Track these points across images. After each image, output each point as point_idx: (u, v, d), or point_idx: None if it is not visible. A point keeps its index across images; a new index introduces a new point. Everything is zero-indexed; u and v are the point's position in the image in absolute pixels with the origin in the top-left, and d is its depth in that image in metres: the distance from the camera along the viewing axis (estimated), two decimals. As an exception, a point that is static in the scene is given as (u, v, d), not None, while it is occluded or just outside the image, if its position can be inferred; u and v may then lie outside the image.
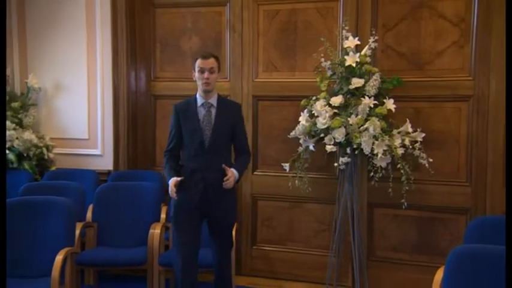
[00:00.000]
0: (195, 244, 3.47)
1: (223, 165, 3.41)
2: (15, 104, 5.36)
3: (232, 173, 3.42)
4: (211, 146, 3.43)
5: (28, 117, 5.24)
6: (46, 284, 3.40)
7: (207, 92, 3.47)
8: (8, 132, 5.11)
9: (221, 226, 3.56)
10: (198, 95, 3.53)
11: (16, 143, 5.05)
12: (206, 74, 3.38)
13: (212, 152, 3.43)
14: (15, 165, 5.00)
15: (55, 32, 5.36)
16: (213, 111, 3.49)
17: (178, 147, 3.57)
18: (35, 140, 5.06)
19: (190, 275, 3.49)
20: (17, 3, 5.60)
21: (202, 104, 3.49)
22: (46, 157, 5.17)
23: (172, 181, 3.40)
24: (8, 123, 5.14)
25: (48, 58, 5.48)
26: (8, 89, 5.42)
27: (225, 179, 3.37)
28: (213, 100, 3.52)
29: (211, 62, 3.43)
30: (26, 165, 5.13)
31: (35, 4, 5.58)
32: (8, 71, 5.49)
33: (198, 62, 3.42)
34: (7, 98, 5.30)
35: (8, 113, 5.27)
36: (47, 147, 5.18)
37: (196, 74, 3.44)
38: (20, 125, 5.14)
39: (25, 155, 5.07)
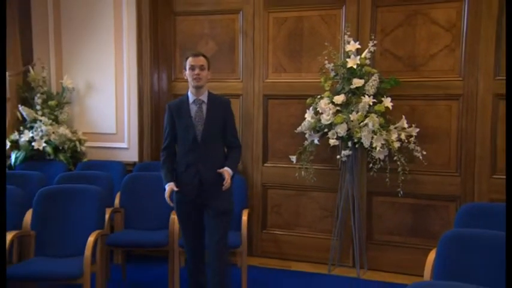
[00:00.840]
0: (198, 233, 3.42)
1: (218, 170, 3.30)
2: (51, 103, 5.37)
3: (228, 174, 3.29)
4: (203, 141, 3.32)
5: (63, 114, 5.25)
6: (80, 263, 3.42)
7: (197, 88, 3.35)
8: (45, 127, 5.16)
9: (216, 215, 3.38)
10: (189, 93, 3.42)
11: (52, 137, 5.08)
12: (197, 71, 3.27)
13: (205, 146, 3.33)
14: (51, 157, 5.03)
15: (87, 38, 5.38)
16: (204, 107, 3.37)
17: (173, 144, 3.48)
18: (69, 135, 5.08)
19: (196, 259, 3.48)
20: (53, 14, 5.62)
21: (194, 101, 3.37)
22: (79, 150, 5.18)
23: (168, 189, 3.34)
24: (45, 119, 5.22)
25: (80, 61, 5.50)
26: (45, 88, 5.47)
27: (224, 182, 3.26)
28: (204, 97, 3.39)
29: (202, 59, 3.32)
30: (61, 156, 5.14)
31: (69, 13, 5.57)
32: (45, 73, 5.55)
33: (189, 60, 3.31)
34: (45, 96, 5.39)
35: (45, 111, 5.33)
36: (80, 141, 5.19)
37: (188, 72, 3.33)
38: (56, 121, 5.16)
39: (60, 148, 5.09)
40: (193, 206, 3.34)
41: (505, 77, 4.24)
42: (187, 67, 3.31)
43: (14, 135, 5.23)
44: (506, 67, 2.31)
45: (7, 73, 5.27)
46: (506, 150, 2.09)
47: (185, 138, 3.34)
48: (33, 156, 5.22)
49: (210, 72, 3.47)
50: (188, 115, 3.32)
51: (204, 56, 3.37)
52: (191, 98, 3.37)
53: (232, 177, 3.36)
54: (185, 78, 3.36)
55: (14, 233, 3.65)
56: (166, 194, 3.31)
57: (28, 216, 3.97)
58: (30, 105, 5.38)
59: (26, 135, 5.17)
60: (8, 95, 5.30)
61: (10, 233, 3.56)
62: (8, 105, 5.31)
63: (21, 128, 5.25)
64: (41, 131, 5.14)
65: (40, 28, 5.62)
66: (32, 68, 5.46)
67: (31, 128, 5.23)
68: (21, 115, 5.30)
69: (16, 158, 5.19)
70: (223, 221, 3.37)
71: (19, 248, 3.93)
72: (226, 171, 3.28)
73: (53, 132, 5.08)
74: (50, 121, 5.22)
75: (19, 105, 5.31)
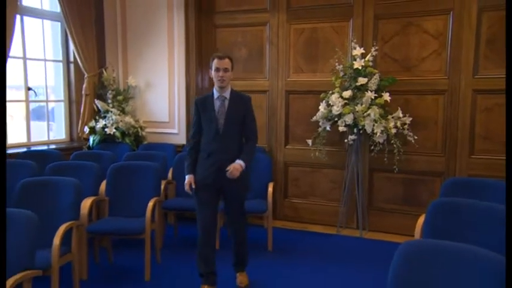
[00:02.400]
0: (212, 214, 3.20)
1: (228, 168, 3.06)
2: (119, 97, 5.48)
3: (234, 166, 3.04)
4: (224, 133, 3.11)
5: (128, 107, 5.34)
6: (142, 222, 3.55)
7: (221, 88, 3.14)
8: (114, 117, 5.25)
9: (234, 199, 3.23)
10: (214, 90, 3.19)
11: (120, 124, 5.15)
12: (221, 73, 3.06)
13: (225, 138, 3.12)
14: (120, 140, 5.10)
15: (146, 46, 5.42)
16: (227, 103, 3.15)
17: (199, 134, 3.23)
18: (133, 123, 5.17)
19: (207, 236, 3.21)
20: (121, 28, 5.70)
21: (218, 97, 3.15)
22: (140, 134, 5.24)
23: (187, 182, 3.16)
24: (115, 110, 5.31)
25: (141, 65, 5.58)
26: (115, 86, 5.57)
27: (229, 170, 3.02)
28: (227, 94, 3.17)
29: (227, 62, 3.10)
30: (127, 140, 5.22)
31: (133, 27, 5.65)
32: (115, 74, 5.66)
33: (215, 62, 3.09)
34: (114, 93, 5.49)
35: (115, 104, 5.42)
36: (141, 128, 5.26)
37: (213, 73, 3.11)
38: (123, 112, 5.24)
39: (126, 133, 5.16)
40: (212, 190, 3.14)
41: (482, 76, 4.28)
42: (213, 68, 3.11)
43: (92, 123, 5.36)
44: (506, 67, 2.20)
45: (86, 74, 5.42)
46: (506, 150, 2.00)
47: (208, 129, 3.14)
48: (106, 139, 5.30)
49: (233, 72, 3.25)
50: (212, 109, 3.14)
51: (229, 58, 3.16)
52: (216, 94, 3.16)
53: (246, 168, 3.12)
54: (210, 76, 3.17)
55: (92, 198, 3.74)
56: (186, 185, 3.18)
57: (103, 185, 4.09)
58: (104, 99, 5.47)
59: (101, 123, 5.27)
60: (87, 91, 5.43)
61: (89, 198, 3.67)
62: (87, 99, 5.44)
63: (97, 117, 5.37)
64: (112, 119, 5.24)
65: (111, 39, 5.73)
66: (105, 70, 5.58)
67: (104, 117, 5.34)
68: (97, 107, 5.42)
69: (93, 141, 5.30)
70: (239, 204, 3.24)
71: (97, 210, 4.10)
72: (238, 165, 3.07)
73: (121, 121, 5.18)
74: (119, 112, 5.31)
75: (95, 100, 5.43)
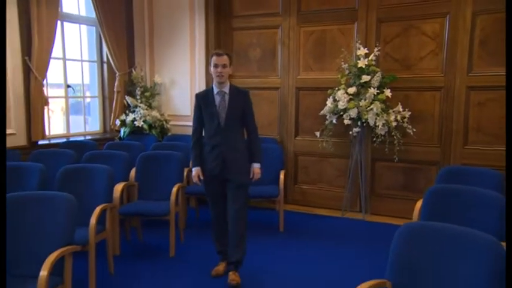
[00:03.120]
0: (221, 202, 3.13)
1: (251, 174, 3.09)
2: (147, 94, 5.55)
3: (255, 172, 3.08)
4: (226, 126, 3.00)
5: (154, 102, 5.41)
6: (167, 205, 3.61)
7: (220, 83, 3.01)
8: (142, 111, 5.30)
9: (236, 187, 3.06)
10: (214, 85, 3.06)
11: (148, 118, 5.20)
12: (219, 69, 2.94)
13: (227, 131, 3.01)
14: (147, 131, 5.13)
15: (170, 48, 5.48)
16: (227, 97, 3.02)
17: (201, 128, 3.14)
18: (159, 116, 5.24)
19: (219, 222, 3.19)
20: (148, 32, 5.76)
21: (218, 93, 3.02)
22: (165, 127, 5.31)
23: (195, 173, 3.09)
24: (142, 105, 5.36)
25: (166, 64, 5.63)
26: (142, 84, 5.61)
27: (252, 177, 3.08)
28: (226, 89, 3.03)
29: (224, 59, 2.97)
30: (153, 131, 5.26)
31: (158, 31, 5.70)
32: (142, 73, 5.72)
33: (213, 59, 2.98)
34: (142, 89, 5.54)
35: (143, 99, 5.49)
36: (166, 121, 5.34)
37: (212, 69, 2.99)
38: (150, 106, 5.32)
39: (153, 125, 5.20)
40: (218, 180, 3.06)
41: (475, 74, 4.26)
42: (212, 64, 2.99)
43: (122, 117, 5.43)
44: (506, 67, 2.15)
45: (118, 73, 5.46)
46: (506, 149, 1.94)
47: (211, 124, 3.02)
48: (135, 131, 5.34)
49: (232, 67, 3.12)
50: (213, 105, 3.01)
51: (227, 54, 3.02)
52: (215, 89, 3.03)
53: (244, 163, 3.09)
54: (210, 73, 3.03)
55: (123, 183, 3.81)
56: (195, 177, 3.11)
57: (133, 172, 4.16)
58: (133, 95, 5.53)
59: (130, 117, 5.34)
60: (118, 88, 5.49)
61: (121, 184, 3.74)
62: (118, 95, 5.50)
63: (127, 112, 5.45)
64: (140, 113, 5.30)
65: (139, 42, 5.80)
66: (134, 69, 5.64)
67: (133, 111, 5.40)
68: (127, 103, 5.49)
69: (124, 132, 5.37)
70: (242, 192, 3.09)
71: (127, 194, 4.18)
72: (253, 171, 3.09)
73: (148, 115, 5.23)
74: (146, 107, 5.37)
75: (125, 96, 5.50)
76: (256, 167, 3.07)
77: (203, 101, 3.04)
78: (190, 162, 3.36)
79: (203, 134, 3.17)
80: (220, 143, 2.99)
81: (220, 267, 3.22)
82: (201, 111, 3.05)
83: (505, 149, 3.89)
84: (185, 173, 4.22)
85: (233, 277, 3.07)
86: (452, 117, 4.40)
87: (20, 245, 2.59)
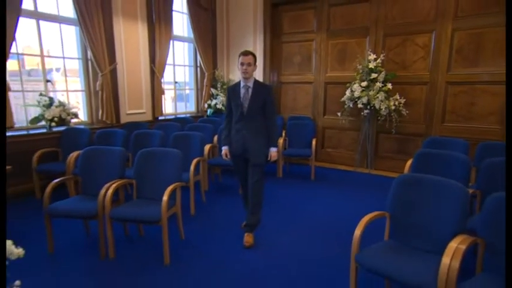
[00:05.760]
0: (244, 175, 2.82)
1: (269, 156, 2.72)
2: (224, 86, 5.72)
3: (272, 155, 2.72)
4: (248, 114, 2.69)
5: None
6: (188, 174, 3.24)
7: (245, 78, 2.67)
8: (221, 98, 5.42)
9: (254, 165, 2.72)
10: (241, 80, 2.73)
11: (224, 103, 5.22)
12: (245, 66, 2.62)
13: (249, 118, 2.70)
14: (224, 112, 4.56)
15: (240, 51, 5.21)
16: (250, 91, 2.69)
17: (230, 115, 2.81)
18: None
19: (244, 189, 2.93)
20: (226, 42, 5.83)
21: (243, 86, 2.71)
22: None
23: (224, 152, 2.83)
24: (221, 94, 5.55)
25: (236, 67, 5.41)
26: (221, 80, 5.74)
27: (269, 157, 2.73)
28: (250, 83, 2.69)
29: (249, 58, 2.64)
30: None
31: (232, 41, 5.81)
32: (222, 72, 5.85)
33: (240, 58, 2.65)
34: (221, 83, 5.65)
35: (222, 90, 5.64)
36: None
37: (239, 66, 2.67)
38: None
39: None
40: (240, 158, 2.78)
41: (452, 73, 4.25)
42: (239, 63, 2.67)
43: (209, 101, 5.69)
44: (506, 67, 1.90)
45: (206, 73, 5.62)
46: (507, 150, 1.71)
47: (236, 112, 2.74)
48: (216, 111, 5.63)
49: (256, 66, 2.74)
50: (238, 96, 2.71)
51: (252, 54, 2.69)
52: (242, 84, 2.72)
53: (261, 146, 2.72)
54: (238, 69, 2.68)
55: (210, 145, 3.84)
56: (223, 155, 2.85)
57: (215, 138, 4.12)
58: (215, 87, 5.74)
59: (214, 102, 5.61)
60: (206, 83, 5.70)
61: (208, 145, 3.75)
62: (206, 88, 5.72)
63: (212, 98, 5.70)
64: (220, 100, 5.58)
65: (220, 52, 5.94)
66: (216, 70, 5.87)
67: (216, 98, 5.66)
68: (212, 92, 5.73)
69: (209, 112, 5.67)
70: (258, 170, 2.74)
71: (212, 152, 4.07)
72: (274, 152, 2.72)
73: (224, 100, 5.31)
74: (224, 95, 5.42)
75: (211, 88, 5.77)
76: (273, 151, 2.73)
77: (232, 93, 2.78)
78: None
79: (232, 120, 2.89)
80: (242, 128, 2.72)
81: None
82: (230, 102, 2.80)
83: (471, 125, 4.15)
84: (207, 150, 3.86)
85: (247, 239, 2.79)
86: (434, 103, 4.44)
87: (149, 180, 2.66)
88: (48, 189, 2.56)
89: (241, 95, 2.70)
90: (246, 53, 2.66)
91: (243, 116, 2.71)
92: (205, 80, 5.77)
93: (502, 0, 3.90)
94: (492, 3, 3.95)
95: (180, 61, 5.74)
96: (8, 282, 1.05)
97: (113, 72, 4.53)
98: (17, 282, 1.04)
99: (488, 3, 3.98)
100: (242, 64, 2.64)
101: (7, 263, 1.08)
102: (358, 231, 1.91)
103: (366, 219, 1.96)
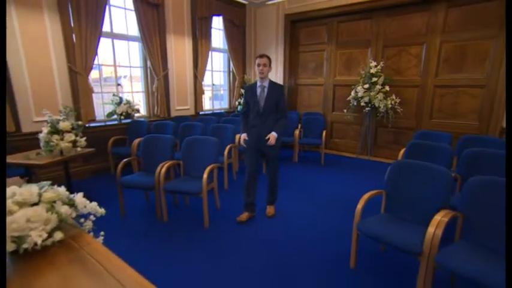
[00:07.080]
0: (255, 164, 2.59)
1: (268, 136, 2.49)
2: (244, 85, 5.53)
3: (272, 135, 2.47)
4: (263, 112, 2.50)
5: None
6: (223, 157, 3.23)
7: (261, 79, 2.49)
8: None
9: (269, 157, 2.59)
10: (257, 80, 2.54)
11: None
12: (261, 67, 2.44)
13: (264, 116, 2.51)
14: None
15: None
16: (266, 90, 2.49)
17: (248, 111, 2.61)
18: None
19: (250, 179, 2.62)
20: (253, 51, 5.74)
21: (259, 86, 2.51)
22: None
23: (242, 137, 2.60)
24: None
25: None
26: (249, 82, 5.49)
27: (269, 140, 2.48)
28: (266, 83, 2.49)
29: (265, 59, 2.45)
30: None
31: (258, 50, 5.73)
32: (249, 76, 5.66)
33: (257, 60, 2.47)
34: (246, 83, 5.51)
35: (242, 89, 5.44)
36: None
37: (256, 67, 2.48)
38: None
39: None
40: (255, 149, 2.57)
41: (439, 78, 4.13)
42: (256, 64, 2.48)
43: (239, 100, 5.60)
44: (506, 67, 1.70)
45: (237, 77, 5.52)
46: (507, 150, 1.50)
47: (253, 109, 2.55)
48: (244, 107, 5.14)
49: (271, 67, 2.53)
50: (255, 95, 2.52)
51: (267, 56, 2.49)
52: (258, 83, 2.52)
53: (278, 137, 2.52)
54: (255, 71, 2.32)
55: (239, 135, 3.21)
56: (242, 140, 2.60)
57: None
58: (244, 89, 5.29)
59: (243, 100, 4.24)
60: (237, 85, 5.62)
61: (238, 134, 3.56)
62: (237, 89, 5.61)
63: (241, 97, 5.54)
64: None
65: (248, 60, 5.83)
66: (245, 74, 5.78)
67: (243, 97, 5.22)
68: (242, 92, 5.56)
69: (240, 108, 5.45)
70: (274, 162, 2.61)
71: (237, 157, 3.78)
72: (271, 134, 2.49)
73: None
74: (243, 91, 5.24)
75: (241, 88, 5.67)
76: (273, 134, 2.48)
77: (249, 91, 2.59)
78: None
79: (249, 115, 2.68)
80: (258, 124, 2.54)
81: (244, 216, 2.69)
82: (247, 100, 2.60)
83: (454, 121, 4.09)
84: (237, 137, 3.78)
85: (269, 210, 2.75)
86: (424, 102, 4.35)
87: (192, 161, 2.71)
88: (120, 166, 2.67)
89: (258, 94, 2.54)
90: (261, 56, 2.50)
91: (259, 113, 2.54)
92: (236, 83, 5.76)
93: (482, 19, 3.80)
94: (474, 21, 3.86)
95: (217, 67, 5.71)
96: (95, 233, 1.09)
97: (166, 77, 4.64)
98: (102, 233, 1.09)
99: (471, 21, 3.88)
100: (258, 65, 2.48)
101: (93, 218, 1.10)
102: (359, 206, 1.92)
103: (366, 196, 1.96)
